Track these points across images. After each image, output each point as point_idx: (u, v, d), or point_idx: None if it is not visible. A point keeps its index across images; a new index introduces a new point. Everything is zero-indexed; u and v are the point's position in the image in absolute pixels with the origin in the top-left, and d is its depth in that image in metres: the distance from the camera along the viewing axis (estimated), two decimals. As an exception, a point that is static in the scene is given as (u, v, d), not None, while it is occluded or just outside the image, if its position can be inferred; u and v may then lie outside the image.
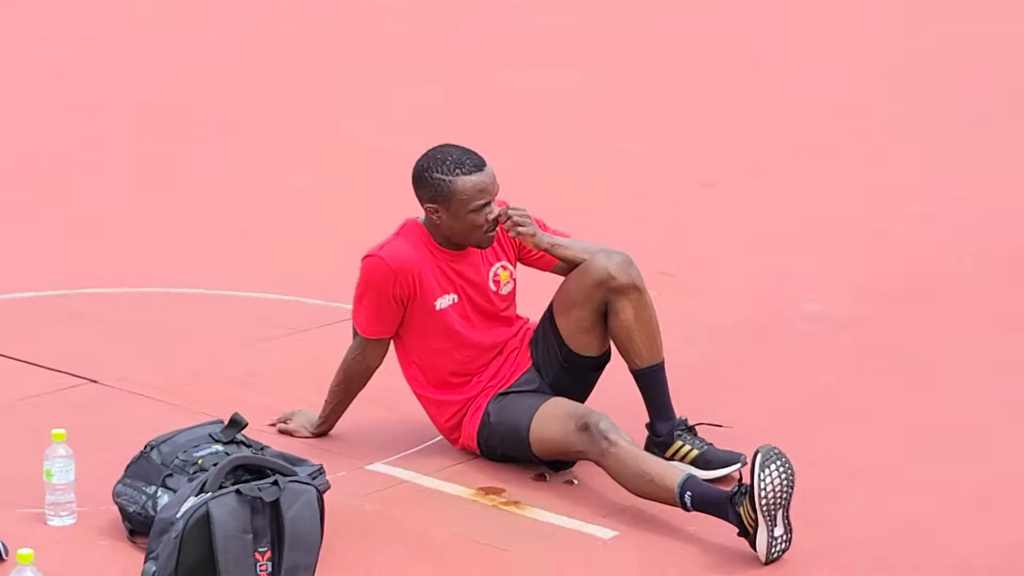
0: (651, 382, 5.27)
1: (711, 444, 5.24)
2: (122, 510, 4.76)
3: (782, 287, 7.18)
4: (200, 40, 13.43)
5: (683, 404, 5.32)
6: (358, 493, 5.07)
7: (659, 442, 5.25)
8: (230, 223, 8.11)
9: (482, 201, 5.18)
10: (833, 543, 4.82)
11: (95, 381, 5.97)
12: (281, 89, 11.45)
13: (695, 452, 5.21)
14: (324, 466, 4.79)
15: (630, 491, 4.98)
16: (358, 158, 9.46)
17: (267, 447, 4.82)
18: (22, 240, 7.77)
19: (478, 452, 5.34)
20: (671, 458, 5.19)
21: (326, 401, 5.47)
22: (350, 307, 5.38)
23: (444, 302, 5.26)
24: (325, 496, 4.45)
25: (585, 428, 5.04)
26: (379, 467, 5.28)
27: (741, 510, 4.68)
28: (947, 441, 5.58)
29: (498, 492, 5.12)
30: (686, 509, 4.84)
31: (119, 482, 4.79)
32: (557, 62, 12.64)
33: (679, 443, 5.22)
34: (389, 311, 5.25)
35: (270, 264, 7.40)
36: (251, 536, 3.78)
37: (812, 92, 11.59)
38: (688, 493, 4.82)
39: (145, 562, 3.84)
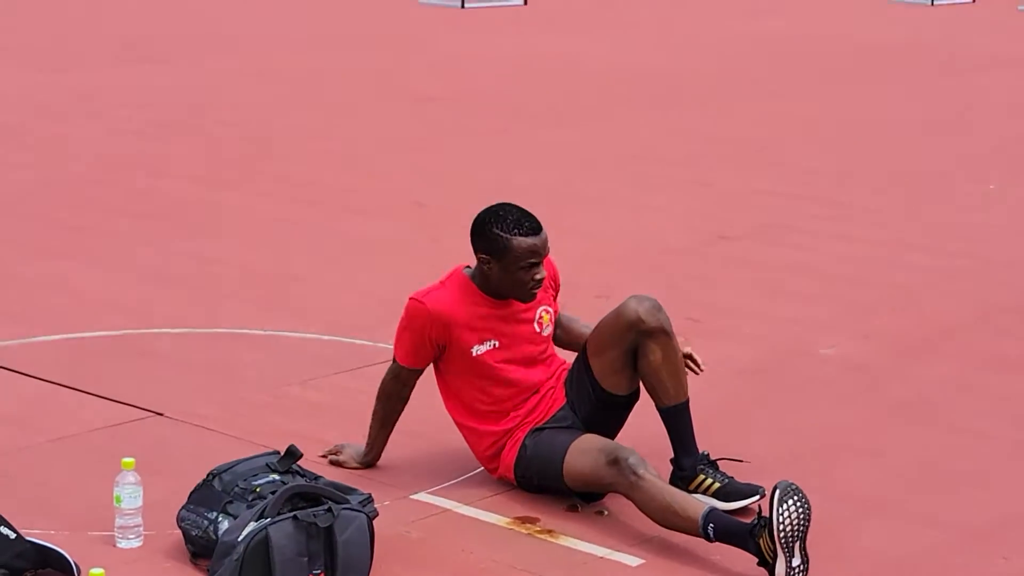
0: (676, 420, 5.26)
1: (732, 478, 5.22)
2: (185, 534, 4.76)
3: (799, 332, 7.16)
4: (248, 96, 13.49)
5: (706, 440, 5.31)
6: (403, 521, 5.06)
7: (683, 476, 5.23)
8: (283, 269, 8.13)
9: (533, 260, 5.22)
10: (848, 572, 4.79)
11: (161, 414, 5.98)
12: (331, 142, 11.49)
13: (717, 485, 5.19)
14: (372, 495, 4.78)
15: (656, 522, 4.96)
16: (403, 210, 9.47)
17: (320, 477, 4.82)
18: (97, 284, 7.80)
19: (515, 483, 5.32)
20: (694, 491, 5.18)
21: (369, 428, 5.48)
22: (393, 346, 5.41)
23: (482, 348, 5.28)
24: (373, 524, 4.44)
25: (615, 463, 5.03)
26: (423, 496, 5.27)
27: (761, 542, 4.65)
28: (956, 477, 5.55)
29: (533, 521, 5.10)
30: (708, 540, 4.82)
31: (183, 508, 4.79)
32: (587, 123, 12.67)
33: (702, 476, 5.21)
34: (424, 350, 5.30)
35: (320, 307, 7.41)
36: (307, 559, 3.78)
37: (820, 149, 11.59)
38: (711, 525, 4.80)
39: (207, 583, 3.84)
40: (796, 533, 4.63)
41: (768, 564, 4.67)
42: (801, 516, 4.64)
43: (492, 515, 5.14)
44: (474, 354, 5.28)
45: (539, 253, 5.24)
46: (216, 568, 3.84)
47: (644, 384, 5.30)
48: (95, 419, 5.92)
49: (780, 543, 4.60)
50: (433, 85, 14.41)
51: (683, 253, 8.59)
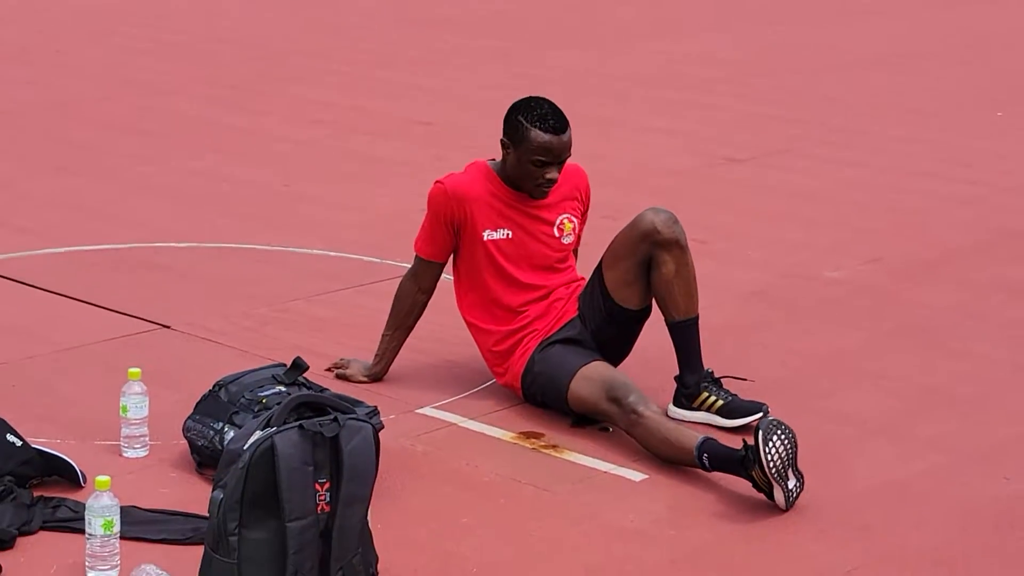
0: (685, 335, 5.25)
1: (735, 395, 5.22)
2: (191, 444, 4.78)
3: (805, 256, 7.16)
4: (266, 15, 13.44)
5: (710, 359, 5.31)
6: (408, 434, 5.08)
7: (687, 393, 5.23)
8: (290, 186, 8.13)
9: (545, 159, 5.21)
10: (849, 491, 4.80)
11: (168, 327, 5.99)
12: (339, 62, 11.46)
13: (720, 402, 5.19)
14: (378, 408, 4.80)
15: (656, 456, 4.96)
16: (410, 130, 9.46)
17: (326, 389, 4.83)
18: (107, 199, 7.81)
19: (520, 393, 5.34)
20: (697, 408, 5.18)
21: (381, 336, 5.48)
22: (402, 264, 5.41)
23: (495, 235, 5.29)
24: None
25: (615, 402, 5.04)
26: (428, 411, 5.28)
27: (754, 474, 4.66)
28: (959, 399, 5.55)
29: (538, 436, 5.12)
30: (705, 469, 4.83)
31: (189, 418, 4.80)
32: (595, 45, 12.62)
33: (705, 394, 5.21)
34: (442, 235, 5.32)
35: (326, 224, 7.41)
36: (312, 468, 3.78)
37: (835, 75, 11.54)
38: (705, 454, 4.81)
39: (213, 490, 3.83)
40: (786, 463, 4.63)
41: (764, 491, 4.68)
42: (788, 447, 4.63)
43: (497, 429, 5.15)
44: (485, 238, 5.28)
45: (552, 153, 5.22)
46: (222, 476, 3.84)
47: (655, 297, 5.29)
48: (102, 331, 5.93)
49: (773, 477, 4.61)
50: (441, 6, 14.35)
51: (690, 175, 8.58)
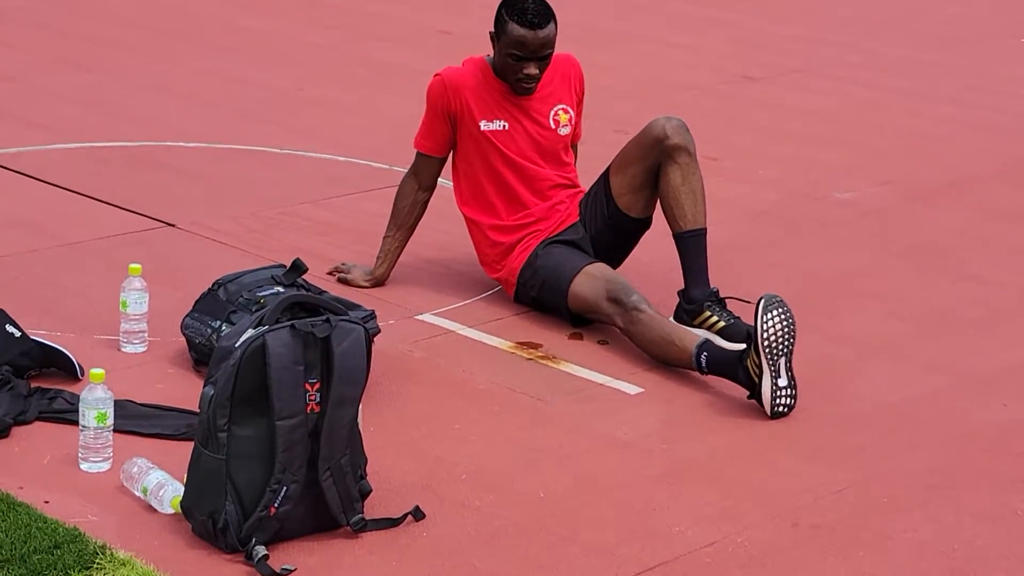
0: (691, 247, 5.21)
1: (738, 318, 5.18)
2: (189, 341, 4.79)
3: (816, 176, 7.13)
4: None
5: (714, 278, 5.28)
6: (406, 339, 5.08)
7: (689, 310, 5.21)
8: (303, 90, 8.10)
9: (520, 53, 5.20)
10: (846, 411, 4.80)
11: (172, 225, 6.00)
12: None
13: (722, 323, 5.16)
14: (376, 313, 4.80)
15: (651, 355, 4.97)
16: (427, 39, 9.41)
17: (325, 292, 4.83)
18: (119, 96, 7.79)
19: (511, 289, 5.34)
20: (699, 326, 5.16)
21: (383, 238, 5.49)
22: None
23: (491, 126, 5.29)
24: (375, 340, 4.45)
25: (616, 300, 5.03)
26: (427, 317, 5.28)
27: (748, 362, 4.66)
28: (962, 323, 5.54)
29: (536, 347, 5.12)
30: (701, 371, 4.83)
31: (187, 316, 4.81)
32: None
33: (708, 313, 5.18)
34: (440, 128, 5.32)
35: (337, 129, 7.39)
36: (302, 368, 3.78)
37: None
38: (704, 354, 4.81)
39: (204, 386, 3.84)
40: (781, 347, 4.62)
41: (755, 386, 4.67)
42: (785, 328, 4.62)
43: (495, 339, 5.15)
44: (482, 128, 5.28)
45: (527, 47, 5.18)
46: (213, 372, 3.84)
47: (663, 207, 5.26)
48: (107, 227, 5.94)
49: (765, 354, 4.59)
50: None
51: (705, 92, 8.53)
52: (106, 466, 4.14)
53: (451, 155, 5.43)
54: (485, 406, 4.69)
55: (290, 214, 6.20)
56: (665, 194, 5.23)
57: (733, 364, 4.73)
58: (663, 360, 4.94)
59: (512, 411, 4.67)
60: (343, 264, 5.55)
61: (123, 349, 4.87)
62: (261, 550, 3.74)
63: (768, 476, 4.36)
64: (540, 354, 5.07)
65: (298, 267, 4.82)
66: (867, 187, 7.01)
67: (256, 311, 4.56)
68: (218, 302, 4.76)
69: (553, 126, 5.36)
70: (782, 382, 4.65)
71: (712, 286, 5.23)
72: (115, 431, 4.20)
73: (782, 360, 4.63)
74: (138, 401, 4.49)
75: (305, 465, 3.82)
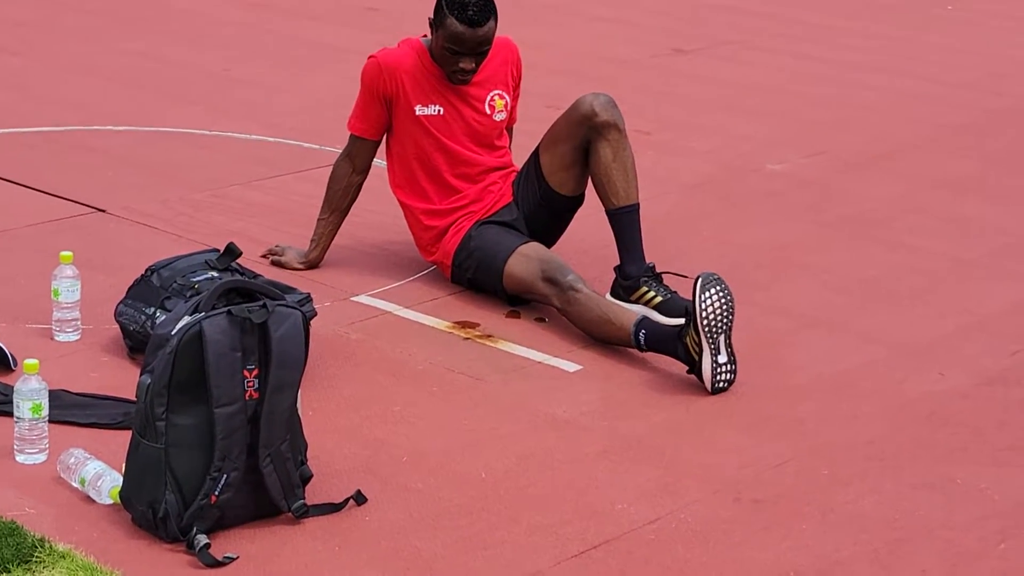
0: (625, 223, 5.22)
1: (675, 293, 5.19)
2: (123, 329, 4.75)
3: (749, 148, 7.15)
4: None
5: (650, 253, 5.29)
6: (343, 322, 5.07)
7: (626, 285, 5.21)
8: (230, 71, 8.05)
9: (455, 48, 5.19)
10: (784, 384, 4.82)
11: (102, 210, 5.95)
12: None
13: (659, 299, 5.17)
14: (312, 295, 4.78)
15: (590, 335, 4.99)
16: (355, 16, 9.37)
17: (260, 276, 4.81)
18: (41, 80, 7.72)
19: (448, 271, 5.34)
20: (636, 302, 5.17)
21: (317, 220, 5.47)
22: (341, 151, 5.42)
23: (426, 110, 5.28)
24: (312, 324, 4.43)
25: (551, 280, 5.05)
26: (363, 299, 5.27)
27: (688, 340, 4.68)
28: (897, 294, 5.58)
29: (473, 326, 5.11)
30: (640, 348, 4.85)
31: (121, 303, 4.78)
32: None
33: (644, 288, 5.18)
34: (375, 110, 5.30)
35: (266, 110, 7.36)
36: (240, 354, 3.76)
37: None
38: (643, 332, 4.82)
39: (141, 375, 3.81)
40: (720, 324, 4.64)
41: (695, 363, 4.69)
42: (724, 306, 4.64)
43: (432, 319, 5.15)
44: (417, 113, 5.27)
45: (465, 44, 5.17)
46: (150, 361, 3.82)
47: (594, 184, 5.27)
48: (35, 214, 5.88)
49: (704, 333, 4.61)
50: None
51: (636, 65, 8.54)
52: (42, 458, 4.11)
53: (385, 137, 5.41)
54: (424, 387, 4.68)
55: (221, 196, 6.16)
56: (596, 171, 5.23)
57: (672, 341, 4.75)
58: (602, 339, 4.95)
59: (451, 391, 4.67)
60: (276, 246, 5.53)
61: (56, 338, 4.83)
62: (203, 539, 3.73)
63: (708, 451, 4.38)
64: (478, 333, 5.06)
65: (232, 251, 4.79)
66: (799, 158, 7.05)
67: (191, 297, 4.55)
68: (152, 288, 4.73)
69: (489, 112, 5.35)
70: (722, 359, 4.67)
71: (648, 261, 5.24)
72: (50, 422, 4.16)
73: (721, 337, 4.66)
74: (73, 391, 4.46)
75: (245, 452, 3.80)
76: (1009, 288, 5.67)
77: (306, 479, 3.94)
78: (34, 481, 4.02)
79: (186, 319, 3.81)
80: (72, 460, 4.00)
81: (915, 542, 3.96)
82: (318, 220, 5.47)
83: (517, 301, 5.23)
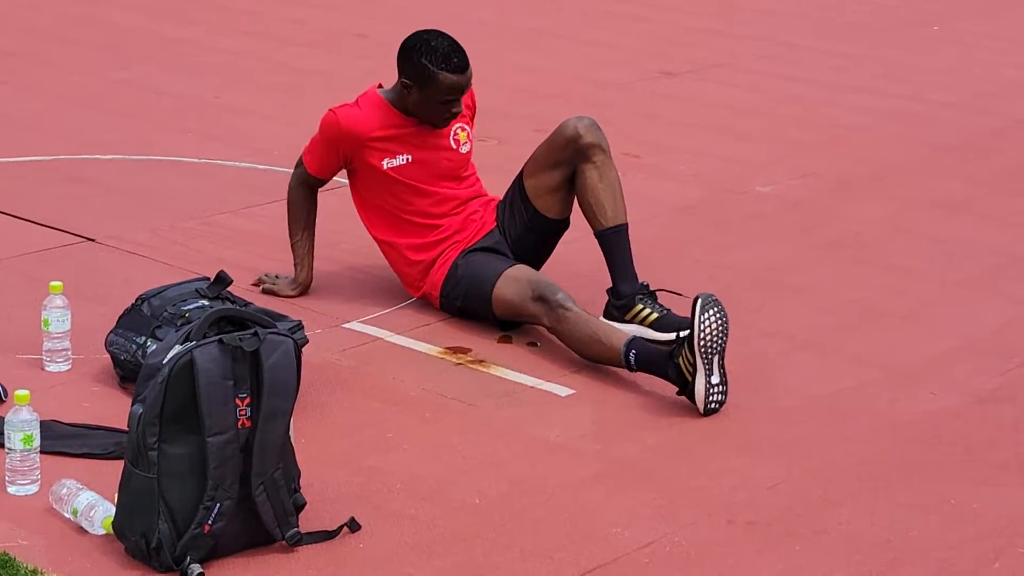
0: (615, 243, 5.23)
1: (669, 310, 5.20)
2: (114, 358, 4.75)
3: (738, 170, 7.17)
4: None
5: (641, 275, 5.30)
6: (334, 349, 5.07)
7: (620, 305, 5.21)
8: (220, 99, 8.06)
9: (453, 98, 5.24)
10: (776, 406, 4.83)
11: (92, 239, 5.95)
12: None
13: (655, 315, 5.17)
14: (303, 323, 4.78)
15: (581, 355, 5.00)
16: (343, 42, 9.39)
17: (250, 304, 4.81)
18: (33, 109, 7.72)
19: (436, 302, 5.35)
20: (631, 321, 5.16)
21: (292, 246, 5.47)
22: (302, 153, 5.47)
23: (394, 162, 5.31)
24: (303, 351, 4.43)
25: (541, 299, 5.05)
26: (354, 325, 5.27)
27: (680, 360, 4.69)
28: (888, 316, 5.59)
29: (465, 351, 5.11)
30: (630, 368, 4.85)
31: (111, 332, 4.78)
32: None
33: (640, 306, 5.18)
34: (331, 160, 5.39)
35: (256, 137, 7.36)
36: (232, 383, 3.76)
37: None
38: (633, 352, 4.84)
39: (133, 404, 3.81)
40: (715, 346, 4.65)
41: (688, 384, 4.70)
42: (720, 328, 4.66)
43: (423, 344, 5.15)
44: (384, 167, 5.31)
45: (462, 90, 5.25)
46: (141, 390, 3.82)
47: (582, 207, 5.28)
48: (25, 243, 5.88)
49: (700, 354, 4.63)
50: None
51: (624, 89, 8.55)
52: (34, 489, 4.11)
53: (352, 185, 5.44)
54: (416, 413, 4.68)
55: (211, 224, 6.17)
56: (583, 194, 5.25)
57: (663, 362, 4.76)
58: (592, 359, 4.96)
59: (444, 417, 4.67)
60: (265, 275, 5.53)
61: (47, 368, 4.82)
62: (196, 568, 3.72)
63: (702, 474, 4.39)
64: (469, 359, 5.07)
65: (222, 279, 4.79)
66: (788, 180, 7.06)
67: (181, 326, 4.55)
68: (142, 317, 4.73)
69: (455, 146, 5.38)
70: (715, 379, 4.68)
71: (641, 280, 5.24)
72: (42, 452, 4.16)
73: (715, 357, 4.67)
74: (65, 421, 4.45)
75: (238, 481, 3.80)
76: (999, 308, 5.68)
77: (299, 507, 3.94)
78: (26, 512, 4.01)
79: (177, 348, 3.81)
80: (64, 491, 3.99)
81: (909, 563, 3.96)
82: (293, 244, 5.48)
83: (508, 326, 5.23)
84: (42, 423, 4.18)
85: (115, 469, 3.92)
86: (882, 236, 6.39)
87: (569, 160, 5.26)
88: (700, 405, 4.68)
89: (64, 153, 7.00)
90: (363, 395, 4.78)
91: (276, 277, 5.51)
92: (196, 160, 6.97)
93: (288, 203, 5.50)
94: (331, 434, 4.51)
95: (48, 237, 5.95)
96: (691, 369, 4.67)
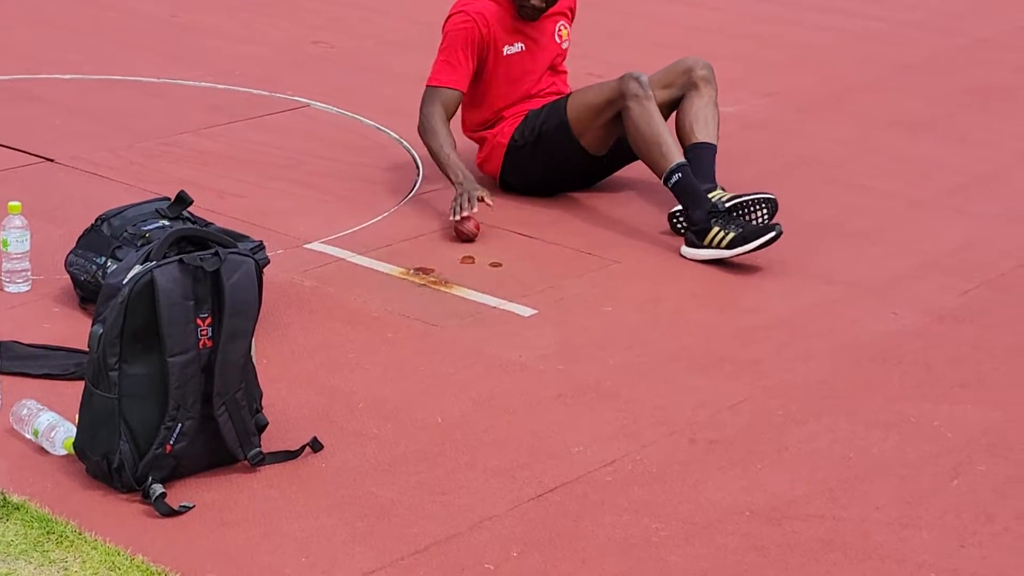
0: (704, 153, 5.54)
1: (746, 224, 5.27)
2: (74, 279, 4.74)
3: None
4: None
5: (607, 201, 5.31)
6: (296, 269, 5.07)
7: (696, 230, 5.26)
8: (179, 17, 8.00)
9: None
10: (739, 325, 4.85)
11: (51, 160, 5.92)
12: None
13: (732, 234, 5.20)
14: (264, 243, 4.77)
15: (633, 145, 5.39)
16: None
17: (211, 224, 4.80)
18: (-16, 27, 7.67)
19: (506, 146, 5.65)
20: (708, 245, 5.22)
21: (445, 158, 5.50)
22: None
23: (512, 50, 5.64)
24: (265, 271, 4.43)
25: (622, 77, 5.41)
26: (316, 246, 5.27)
27: (716, 228, 5.14)
28: (850, 234, 5.61)
29: (428, 272, 5.12)
30: (667, 185, 5.26)
31: (71, 253, 4.76)
32: None
33: (715, 229, 5.22)
34: (470, 62, 5.60)
35: (217, 57, 7.32)
36: (192, 303, 3.75)
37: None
38: (678, 174, 5.23)
39: (93, 325, 3.80)
40: (749, 247, 5.10)
41: (700, 241, 5.14)
42: (765, 244, 5.11)
43: (386, 265, 5.15)
44: (505, 53, 5.61)
45: None
46: (101, 311, 3.81)
47: (679, 128, 5.59)
48: (-17, 164, 5.86)
49: (732, 243, 5.09)
50: None
51: (591, 5, 8.49)
52: (-5, 409, 4.11)
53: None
54: (379, 333, 4.69)
55: (171, 144, 6.14)
56: (685, 114, 5.60)
57: (697, 204, 5.20)
58: (640, 154, 5.36)
59: (406, 338, 4.68)
60: (468, 188, 5.45)
61: (6, 289, 4.81)
62: (158, 488, 3.73)
63: (664, 393, 4.41)
64: (432, 279, 5.07)
65: (183, 200, 4.77)
66: (752, 99, 7.06)
67: (142, 246, 4.54)
68: (102, 238, 4.72)
69: (558, 40, 5.74)
70: (725, 255, 5.14)
71: (716, 191, 5.40)
72: (2, 373, 4.16)
73: (740, 247, 5.12)
74: (24, 342, 4.45)
75: (199, 401, 3.80)
76: (962, 227, 5.71)
77: (261, 427, 3.95)
78: (-13, 433, 4.01)
79: (137, 268, 3.80)
80: (25, 411, 3.99)
81: (869, 480, 4.00)
82: (447, 158, 5.48)
83: (593, 174, 5.69)
84: (1, 344, 4.18)
85: (75, 390, 3.92)
86: (847, 155, 6.40)
87: (680, 85, 5.63)
88: (687, 254, 5.13)
89: (21, 73, 6.95)
90: (325, 316, 4.78)
91: (472, 187, 5.46)
92: (155, 80, 6.93)
93: (427, 131, 5.55)
94: (293, 354, 4.51)
95: (6, 157, 5.92)
96: (715, 242, 5.07)
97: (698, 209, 5.20)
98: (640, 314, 4.87)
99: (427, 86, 5.60)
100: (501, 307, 4.90)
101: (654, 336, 4.73)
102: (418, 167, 5.98)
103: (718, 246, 5.12)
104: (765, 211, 5.39)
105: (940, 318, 4.96)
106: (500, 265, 5.19)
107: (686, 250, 5.25)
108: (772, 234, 5.12)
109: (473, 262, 5.20)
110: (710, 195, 5.32)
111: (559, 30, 5.76)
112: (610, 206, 5.69)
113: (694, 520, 3.78)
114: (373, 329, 4.72)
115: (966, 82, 7.48)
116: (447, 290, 5.00)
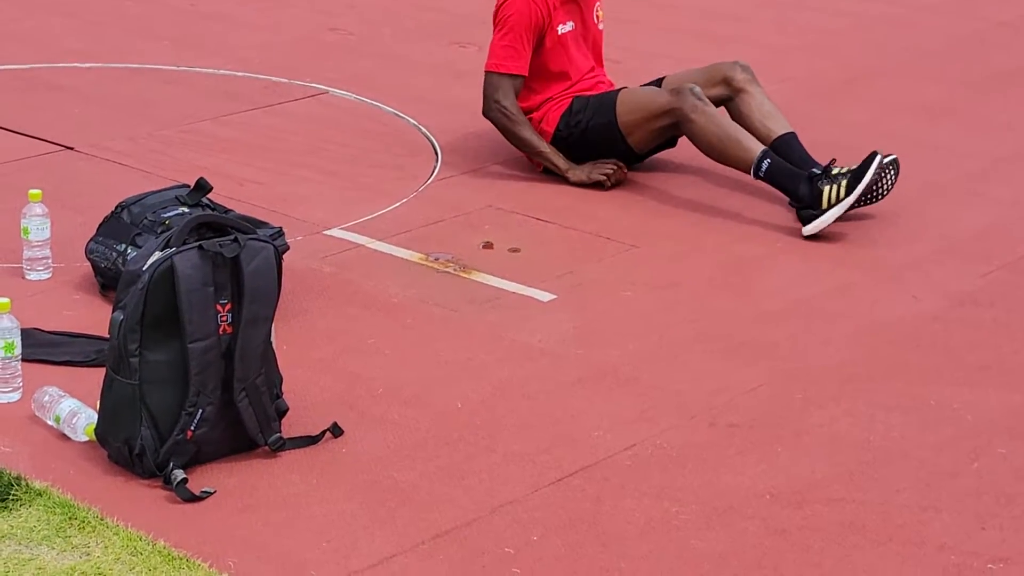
0: (794, 144, 5.55)
1: (852, 169, 5.32)
2: (94, 266, 4.74)
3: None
4: None
5: (621, 191, 5.29)
6: (315, 255, 5.06)
7: (810, 201, 5.29)
8: (199, 6, 7.99)
9: None
10: (758, 309, 4.84)
11: (71, 148, 5.91)
12: None
13: (843, 182, 5.26)
14: (284, 229, 4.77)
15: (708, 152, 5.41)
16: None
17: (230, 210, 4.79)
18: (10, 17, 7.65)
19: (552, 135, 5.64)
20: (829, 205, 5.25)
21: (542, 150, 5.64)
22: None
23: (565, 28, 5.67)
24: (284, 258, 4.42)
25: (676, 91, 5.41)
26: (336, 232, 5.25)
27: (829, 188, 5.18)
28: (870, 218, 5.56)
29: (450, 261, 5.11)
30: (757, 175, 5.27)
31: (92, 240, 4.76)
32: None
33: (827, 188, 5.27)
34: (527, 45, 5.60)
35: (236, 45, 7.31)
36: (212, 289, 3.74)
37: None
38: (767, 160, 5.24)
39: (113, 311, 3.80)
40: (876, 196, 5.22)
41: (818, 208, 5.19)
42: (888, 187, 5.25)
43: (405, 251, 5.14)
44: (560, 32, 5.63)
45: None
46: (122, 297, 3.80)
47: (752, 125, 5.57)
48: (3, 152, 5.85)
49: (857, 195, 5.15)
50: None
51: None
52: (16, 396, 4.10)
53: None
54: (398, 319, 4.68)
55: (190, 132, 6.13)
56: (750, 114, 5.60)
57: (795, 180, 5.21)
58: (719, 157, 5.36)
59: (425, 323, 4.66)
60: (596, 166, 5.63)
61: (27, 277, 4.81)
62: (180, 474, 3.73)
63: (683, 377, 4.39)
64: (451, 265, 5.05)
65: (202, 186, 4.76)
66: (767, 84, 6.97)
67: (162, 233, 4.52)
68: (122, 225, 4.71)
69: (596, 20, 5.81)
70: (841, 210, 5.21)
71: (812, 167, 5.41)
72: (24, 360, 4.15)
73: (863, 204, 5.23)
74: (46, 329, 4.44)
75: (220, 387, 3.79)
76: (980, 211, 5.68)
77: (282, 412, 3.94)
78: (9, 420, 4.01)
79: (157, 255, 3.79)
80: (47, 398, 3.99)
81: (889, 463, 3.98)
82: (546, 148, 5.64)
83: (628, 155, 5.64)
84: (23, 331, 4.17)
85: (97, 376, 3.92)
86: (862, 141, 6.35)
87: (722, 90, 5.65)
88: (812, 229, 5.12)
89: (42, 61, 6.94)
90: (344, 301, 4.77)
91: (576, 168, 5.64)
92: (174, 68, 6.92)
93: (504, 122, 5.62)
94: (313, 340, 4.50)
95: (26, 145, 5.92)
96: (832, 199, 5.11)
97: (800, 183, 5.26)
98: (659, 299, 4.85)
99: (494, 72, 5.60)
100: (520, 292, 4.88)
101: (673, 320, 4.71)
102: (436, 153, 5.96)
103: (838, 199, 5.16)
104: (892, 172, 5.37)
105: (960, 302, 4.93)
106: (519, 250, 5.17)
107: (808, 228, 5.26)
108: (878, 159, 5.21)
109: (492, 248, 5.18)
110: (825, 197, 5.29)
111: (597, 11, 5.80)
112: (628, 191, 5.67)
113: (714, 504, 3.77)
114: (392, 315, 4.70)
115: (984, 67, 7.44)
116: (466, 276, 4.99)
